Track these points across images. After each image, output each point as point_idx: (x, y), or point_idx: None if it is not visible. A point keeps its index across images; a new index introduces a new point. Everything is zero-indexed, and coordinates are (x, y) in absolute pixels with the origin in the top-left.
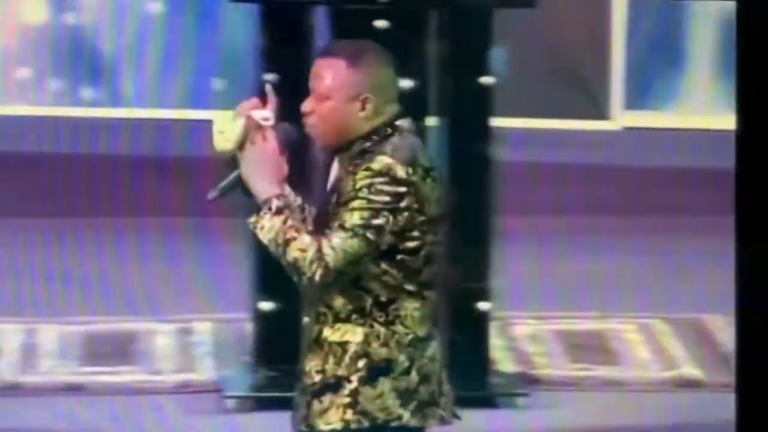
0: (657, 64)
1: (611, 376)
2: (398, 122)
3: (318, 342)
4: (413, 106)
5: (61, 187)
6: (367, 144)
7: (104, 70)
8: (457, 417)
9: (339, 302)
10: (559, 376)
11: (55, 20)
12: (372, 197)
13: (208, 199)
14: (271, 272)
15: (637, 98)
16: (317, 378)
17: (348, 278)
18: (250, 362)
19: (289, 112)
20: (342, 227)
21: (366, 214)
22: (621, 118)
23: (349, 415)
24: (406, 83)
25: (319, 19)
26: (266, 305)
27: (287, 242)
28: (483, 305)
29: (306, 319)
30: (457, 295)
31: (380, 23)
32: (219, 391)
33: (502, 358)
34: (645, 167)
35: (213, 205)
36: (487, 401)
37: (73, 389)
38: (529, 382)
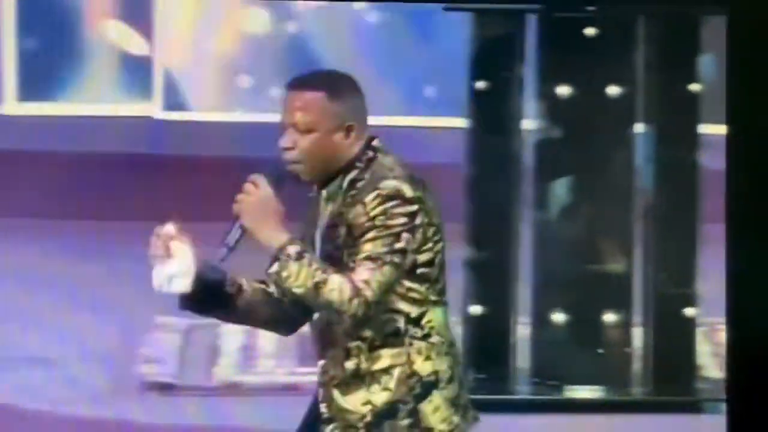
0: None
1: None
2: (374, 143)
3: (357, 376)
4: (621, 112)
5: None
6: (355, 172)
7: None
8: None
9: (371, 331)
10: None
11: (276, 29)
12: (389, 222)
13: (219, 261)
14: (482, 278)
15: None
16: (365, 410)
17: (381, 306)
18: None
19: (499, 119)
20: (369, 258)
21: (388, 240)
22: None
23: None
24: (614, 90)
25: (529, 28)
26: (476, 309)
27: (318, 285)
28: (689, 311)
29: (322, 362)
30: (663, 301)
31: (589, 30)
32: None
33: (708, 364)
34: None
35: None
36: (692, 406)
37: (290, 389)
38: None
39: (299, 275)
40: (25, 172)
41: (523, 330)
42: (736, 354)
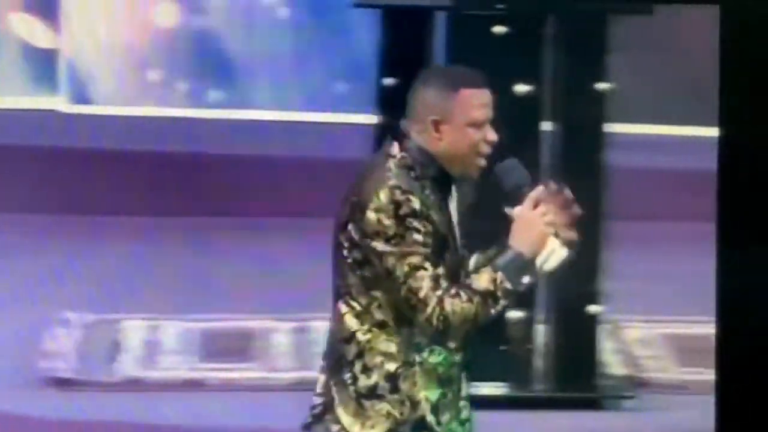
0: None
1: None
2: None
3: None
4: (528, 110)
5: (185, 187)
6: None
7: (232, 72)
8: None
9: None
10: (668, 380)
11: (185, 23)
12: None
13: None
14: None
15: None
16: None
17: None
18: None
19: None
20: None
21: None
22: None
23: None
24: (522, 88)
25: (439, 25)
26: None
27: None
28: (593, 308)
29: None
30: (566, 298)
31: (499, 29)
32: None
33: (611, 362)
34: None
35: (333, 206)
36: (593, 403)
37: (193, 385)
38: (637, 385)
39: None
40: None
41: None
42: (725, 353)
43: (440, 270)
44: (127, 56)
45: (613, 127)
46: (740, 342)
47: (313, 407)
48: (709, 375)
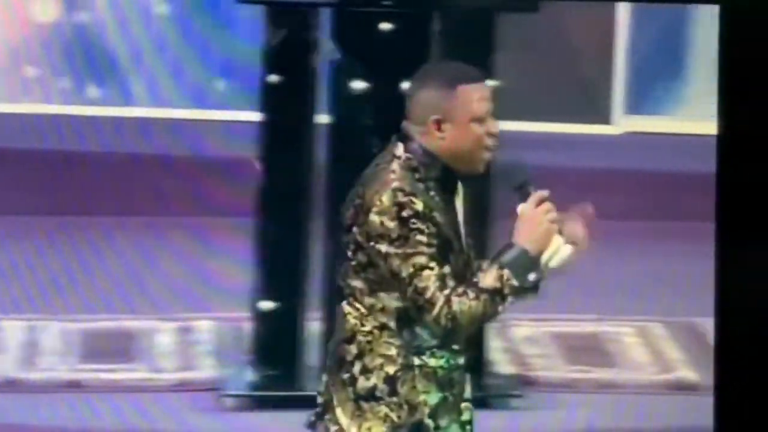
0: (659, 69)
1: (608, 378)
2: None
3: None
4: None
5: (64, 185)
6: None
7: (111, 69)
8: None
9: None
10: (556, 378)
11: (64, 19)
12: None
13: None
14: (272, 272)
15: (638, 103)
16: None
17: None
18: (249, 361)
19: (292, 113)
20: None
21: None
22: (622, 123)
23: None
24: (408, 86)
25: (324, 21)
26: (266, 305)
27: None
28: None
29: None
30: None
31: (384, 26)
32: (218, 389)
33: (499, 360)
34: (645, 171)
35: (213, 204)
36: (481, 402)
37: (73, 386)
38: (525, 383)
39: None
40: None
41: (314, 326)
42: (723, 351)
43: (446, 269)
44: (4, 52)
45: (501, 125)
46: (739, 342)
47: (316, 406)
48: (596, 373)
